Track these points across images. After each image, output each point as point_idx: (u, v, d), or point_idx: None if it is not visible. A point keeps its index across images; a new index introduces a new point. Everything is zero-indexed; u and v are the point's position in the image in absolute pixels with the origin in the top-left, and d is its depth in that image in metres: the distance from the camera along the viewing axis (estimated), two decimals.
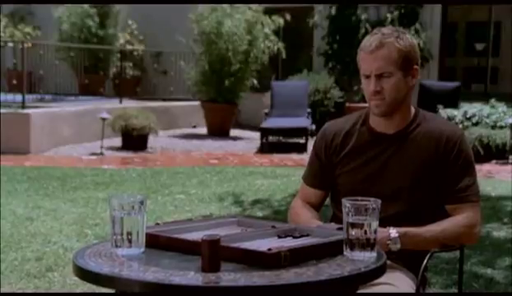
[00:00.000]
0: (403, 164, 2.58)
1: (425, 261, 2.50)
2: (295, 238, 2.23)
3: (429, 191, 2.57)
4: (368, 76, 2.53)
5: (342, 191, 2.61)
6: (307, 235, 2.26)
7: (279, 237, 2.24)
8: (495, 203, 7.15)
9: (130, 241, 2.06)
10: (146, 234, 2.10)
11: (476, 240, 2.65)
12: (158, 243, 2.14)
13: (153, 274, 1.89)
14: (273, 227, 2.31)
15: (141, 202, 2.07)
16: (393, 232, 2.42)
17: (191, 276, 1.87)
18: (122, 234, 2.06)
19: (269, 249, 1.95)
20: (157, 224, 2.37)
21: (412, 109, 2.65)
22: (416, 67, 2.57)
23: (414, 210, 2.55)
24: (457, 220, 2.54)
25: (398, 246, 2.42)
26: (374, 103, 2.55)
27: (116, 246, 2.07)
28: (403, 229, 2.44)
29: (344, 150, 2.66)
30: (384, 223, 2.27)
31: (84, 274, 1.99)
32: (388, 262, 2.16)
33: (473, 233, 2.58)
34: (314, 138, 2.83)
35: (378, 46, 2.50)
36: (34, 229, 5.95)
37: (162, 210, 6.83)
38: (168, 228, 2.26)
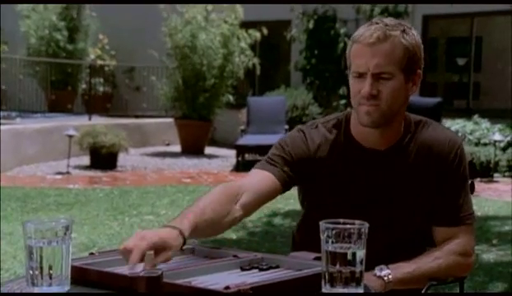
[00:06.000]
0: (397, 187, 2.14)
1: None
2: (261, 270, 1.83)
3: (425, 216, 2.17)
4: (361, 75, 2.03)
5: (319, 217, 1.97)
6: (276, 267, 1.85)
7: (242, 269, 1.84)
8: (483, 223, 6.84)
9: (51, 277, 1.66)
10: (72, 268, 1.69)
11: (469, 271, 2.23)
12: (87, 279, 1.73)
13: None
14: (235, 256, 1.91)
15: (67, 227, 1.68)
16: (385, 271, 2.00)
17: None
18: (41, 269, 1.66)
19: (227, 287, 1.56)
20: (91, 253, 1.95)
21: None
22: (419, 71, 2.10)
23: (404, 242, 2.15)
24: (451, 248, 2.12)
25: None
26: (366, 109, 2.03)
27: (33, 284, 1.66)
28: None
29: (320, 163, 2.16)
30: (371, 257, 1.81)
31: None
32: None
33: (468, 264, 2.18)
34: None
35: (380, 38, 2.00)
36: None
37: (128, 232, 6.45)
38: (101, 260, 1.82)
